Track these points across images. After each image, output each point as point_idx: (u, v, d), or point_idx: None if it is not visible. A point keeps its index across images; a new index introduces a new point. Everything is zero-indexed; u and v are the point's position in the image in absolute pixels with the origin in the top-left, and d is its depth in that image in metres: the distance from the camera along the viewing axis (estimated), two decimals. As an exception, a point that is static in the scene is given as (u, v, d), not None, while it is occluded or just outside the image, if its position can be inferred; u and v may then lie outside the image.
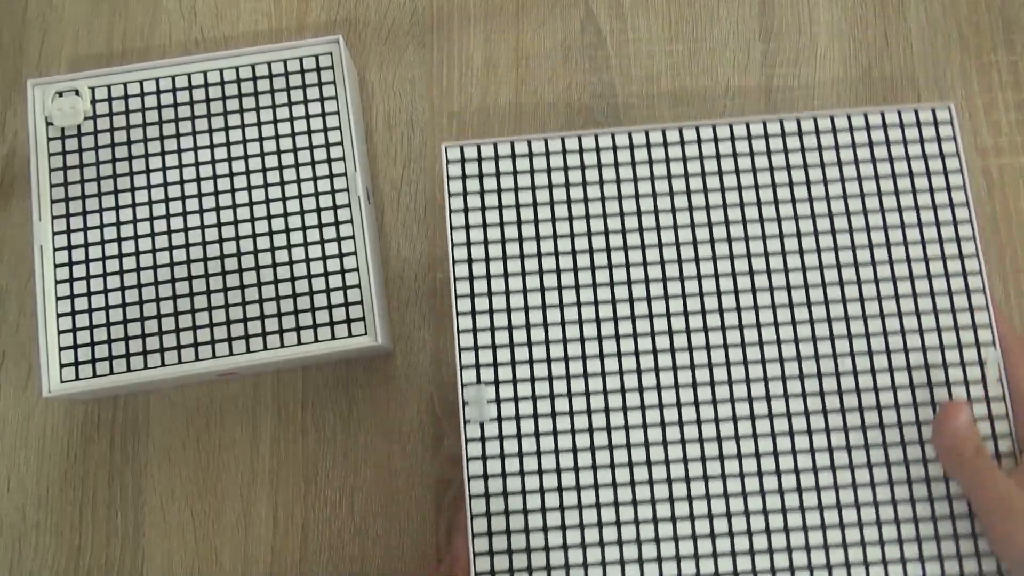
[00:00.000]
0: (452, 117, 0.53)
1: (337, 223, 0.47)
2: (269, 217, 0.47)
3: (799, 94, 0.53)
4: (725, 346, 0.41)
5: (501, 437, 0.40)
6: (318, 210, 0.47)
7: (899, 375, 0.40)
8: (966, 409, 0.38)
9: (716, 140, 0.43)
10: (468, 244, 0.41)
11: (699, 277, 0.41)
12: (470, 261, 0.41)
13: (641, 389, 0.40)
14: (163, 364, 0.45)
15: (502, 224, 0.42)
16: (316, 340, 0.46)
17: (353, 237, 0.47)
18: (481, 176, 0.42)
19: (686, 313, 0.41)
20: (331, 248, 0.47)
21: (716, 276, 0.41)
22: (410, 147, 0.52)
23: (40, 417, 0.49)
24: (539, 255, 0.41)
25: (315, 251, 0.47)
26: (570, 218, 0.42)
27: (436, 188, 0.52)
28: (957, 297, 0.41)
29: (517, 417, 0.40)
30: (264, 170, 0.48)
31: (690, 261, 0.41)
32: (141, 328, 0.46)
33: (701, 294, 0.41)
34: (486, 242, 0.41)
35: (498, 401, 0.40)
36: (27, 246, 0.51)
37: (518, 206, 0.42)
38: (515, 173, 0.42)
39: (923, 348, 0.40)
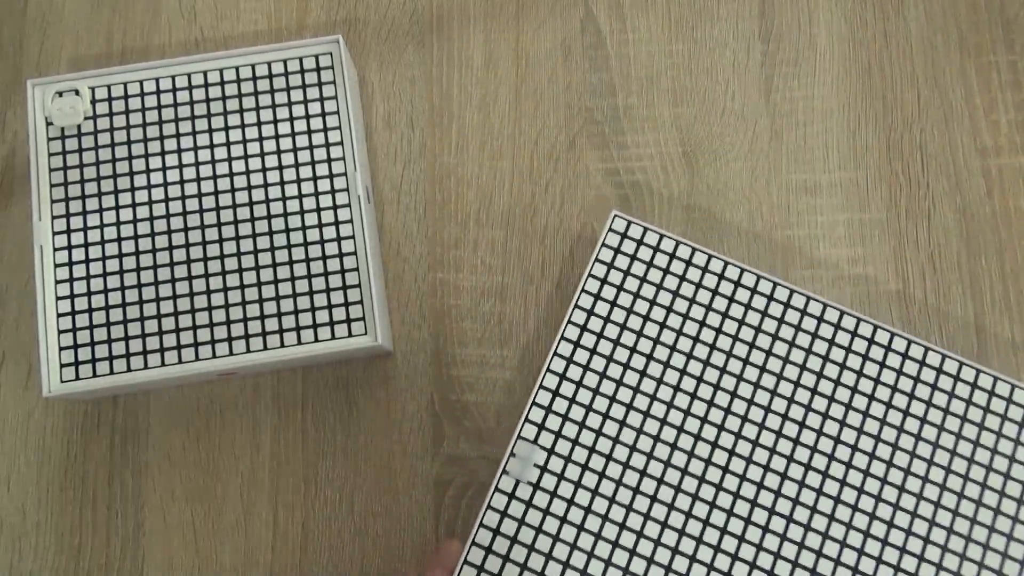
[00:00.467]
0: (452, 117, 0.53)
1: (337, 223, 0.47)
2: (269, 217, 0.47)
3: (799, 94, 0.53)
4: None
5: (530, 504, 0.40)
6: (318, 210, 0.47)
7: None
8: None
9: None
10: (590, 312, 0.42)
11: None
12: (583, 328, 0.42)
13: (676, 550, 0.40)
14: (163, 364, 0.45)
15: (630, 312, 0.42)
16: (316, 340, 0.46)
17: (353, 237, 0.47)
18: (634, 258, 0.43)
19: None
20: (331, 248, 0.47)
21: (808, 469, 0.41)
22: (410, 147, 0.52)
23: (40, 417, 0.49)
24: (649, 359, 0.42)
25: (315, 251, 0.47)
26: (695, 341, 0.42)
27: (436, 188, 0.52)
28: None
29: (554, 494, 0.40)
30: (264, 170, 0.48)
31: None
32: (141, 328, 0.46)
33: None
34: (607, 320, 0.42)
35: (543, 470, 0.40)
36: (27, 246, 0.51)
37: (653, 303, 0.43)
38: (667, 272, 0.43)
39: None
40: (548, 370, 0.42)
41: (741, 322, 0.43)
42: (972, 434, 0.42)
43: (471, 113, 0.53)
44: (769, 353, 0.43)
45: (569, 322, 0.42)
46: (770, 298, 0.44)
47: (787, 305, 0.43)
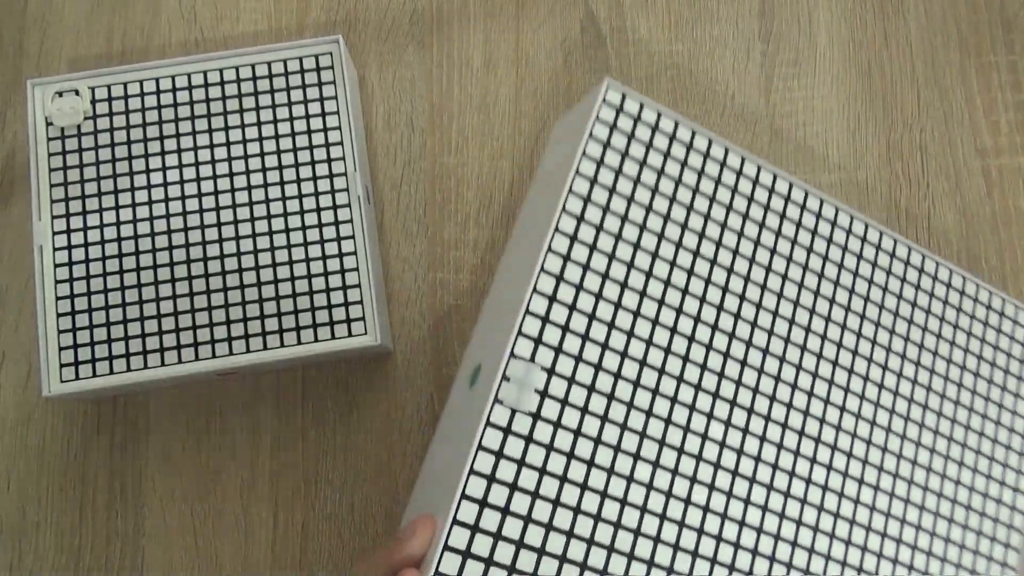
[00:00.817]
0: (452, 117, 0.53)
1: (337, 223, 0.47)
2: (269, 217, 0.47)
3: (799, 94, 0.53)
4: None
5: (530, 439, 0.31)
6: (318, 210, 0.47)
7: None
8: None
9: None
10: (587, 200, 0.34)
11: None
12: (581, 220, 0.34)
13: (699, 456, 0.34)
14: (163, 364, 0.45)
15: (632, 195, 0.35)
16: (316, 340, 0.45)
17: (353, 237, 0.47)
18: (632, 136, 0.35)
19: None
20: (331, 248, 0.47)
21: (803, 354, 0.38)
22: (410, 147, 0.52)
23: (40, 417, 0.49)
24: (656, 255, 0.35)
25: (315, 251, 0.47)
26: (701, 234, 0.36)
27: (436, 188, 0.52)
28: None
29: (557, 424, 0.32)
30: (264, 170, 0.48)
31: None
32: (141, 328, 0.46)
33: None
34: (607, 209, 0.35)
35: (543, 396, 0.32)
36: (27, 246, 0.51)
37: (655, 192, 0.36)
38: (668, 155, 0.36)
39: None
40: (542, 270, 0.33)
41: (762, 224, 0.38)
42: (959, 339, 0.42)
43: (471, 113, 0.53)
44: (788, 258, 0.38)
45: (563, 211, 0.34)
46: (772, 191, 0.39)
47: (788, 199, 0.39)
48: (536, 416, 0.31)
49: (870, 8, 0.54)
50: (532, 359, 0.32)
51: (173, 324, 0.46)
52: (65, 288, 0.46)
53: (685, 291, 0.35)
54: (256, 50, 0.49)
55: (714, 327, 0.36)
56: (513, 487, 0.31)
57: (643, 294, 0.35)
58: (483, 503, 0.30)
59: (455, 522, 0.30)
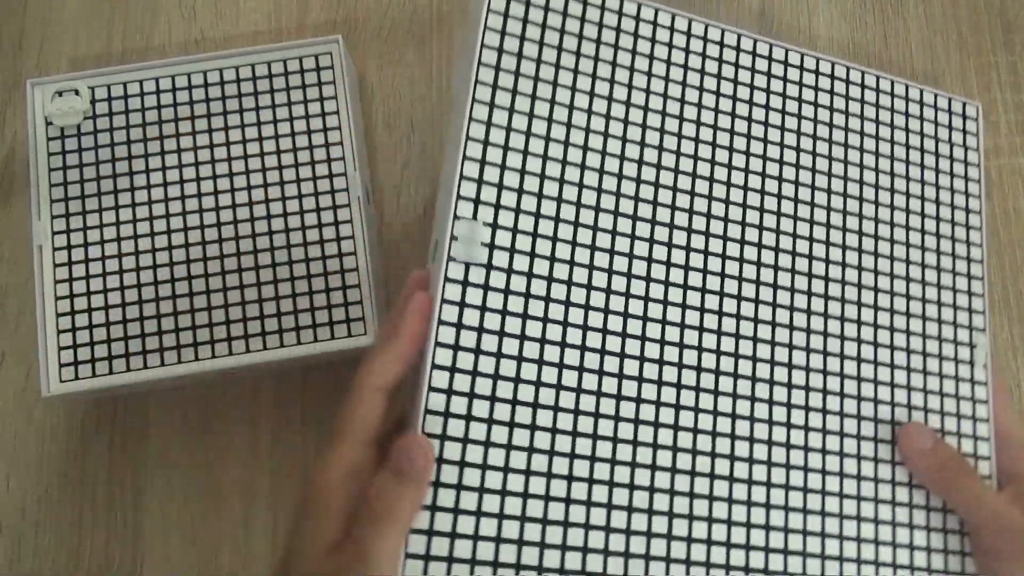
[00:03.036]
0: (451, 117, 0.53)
1: (337, 223, 0.47)
2: (269, 217, 0.47)
3: (799, 94, 0.53)
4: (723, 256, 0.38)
5: (486, 287, 0.34)
6: (318, 210, 0.47)
7: (884, 353, 0.39)
8: (924, 429, 0.38)
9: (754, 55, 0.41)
10: (497, 68, 0.37)
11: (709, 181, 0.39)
12: (494, 87, 0.36)
13: (649, 266, 0.37)
14: (163, 364, 0.45)
15: (538, 69, 0.37)
16: (316, 340, 0.45)
17: (353, 237, 0.47)
18: (525, 21, 0.37)
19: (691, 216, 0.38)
20: (331, 248, 0.47)
21: (728, 184, 0.39)
22: (410, 147, 0.52)
23: (40, 417, 0.49)
24: (571, 107, 0.37)
25: (315, 251, 0.47)
26: (604, 79, 0.38)
27: (436, 188, 0.52)
28: (959, 279, 0.41)
29: (509, 270, 0.35)
30: (264, 170, 0.48)
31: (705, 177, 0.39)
32: (141, 328, 0.46)
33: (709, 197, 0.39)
34: (517, 74, 0.37)
35: (491, 248, 0.35)
36: (27, 246, 0.51)
37: (560, 50, 0.38)
38: (563, 32, 0.38)
39: (924, 331, 0.40)
40: (468, 137, 0.35)
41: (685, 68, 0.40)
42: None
43: (471, 113, 0.53)
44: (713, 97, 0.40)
45: (476, 82, 0.36)
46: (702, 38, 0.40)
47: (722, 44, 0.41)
48: (488, 266, 0.35)
49: (870, 9, 0.54)
50: (475, 217, 0.35)
51: (173, 324, 0.46)
52: (65, 288, 0.46)
53: (606, 133, 0.38)
54: (256, 50, 0.49)
55: (639, 161, 0.38)
56: (479, 330, 0.34)
57: (566, 143, 0.37)
58: (456, 347, 0.34)
59: (434, 366, 0.33)
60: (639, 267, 0.37)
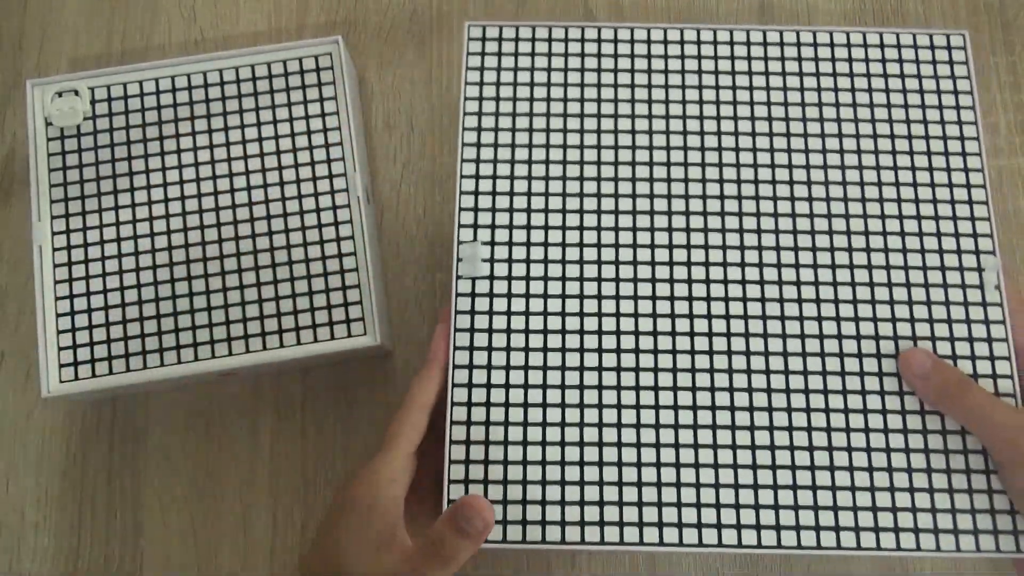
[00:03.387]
0: (452, 118, 0.53)
1: (337, 223, 0.47)
2: (269, 217, 0.47)
3: (799, 95, 0.53)
4: (725, 246, 0.41)
5: (492, 295, 0.40)
6: (318, 210, 0.47)
7: (898, 291, 0.40)
8: (921, 353, 0.38)
9: (732, 44, 0.45)
10: (479, 114, 0.43)
11: (701, 180, 0.42)
12: (479, 129, 0.42)
13: (635, 264, 0.41)
14: (163, 364, 0.45)
15: (515, 100, 0.43)
16: (316, 340, 0.45)
17: (353, 237, 0.47)
18: (500, 55, 0.44)
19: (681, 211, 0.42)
20: (331, 248, 0.47)
21: (721, 181, 0.42)
22: (410, 148, 0.52)
23: (39, 417, 0.49)
24: (547, 131, 0.42)
25: (315, 251, 0.47)
26: (582, 102, 0.43)
27: (435, 188, 0.52)
28: (960, 207, 0.42)
29: (509, 278, 0.40)
30: (264, 170, 0.48)
31: (696, 165, 0.42)
32: (140, 328, 0.46)
33: (704, 196, 0.42)
34: (497, 114, 0.43)
35: (492, 262, 0.41)
36: (27, 246, 0.51)
37: (532, 85, 0.43)
38: (533, 55, 0.44)
39: (923, 261, 0.41)
40: (462, 159, 0.42)
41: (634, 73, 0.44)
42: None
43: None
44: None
45: (464, 113, 0.43)
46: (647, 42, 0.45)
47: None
48: (491, 277, 0.40)
49: (869, 10, 0.55)
50: (475, 239, 0.41)
51: (173, 324, 0.46)
52: (64, 288, 0.46)
53: (579, 146, 0.43)
54: (256, 50, 0.49)
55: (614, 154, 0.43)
56: (489, 331, 0.40)
57: (547, 161, 0.42)
58: (471, 348, 0.40)
59: (456, 367, 0.39)
60: (626, 238, 0.41)
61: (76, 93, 0.48)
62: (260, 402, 0.49)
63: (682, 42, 0.44)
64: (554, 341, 0.40)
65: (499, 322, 0.40)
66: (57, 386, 0.45)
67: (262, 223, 0.47)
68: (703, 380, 0.39)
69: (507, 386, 0.39)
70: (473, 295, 0.40)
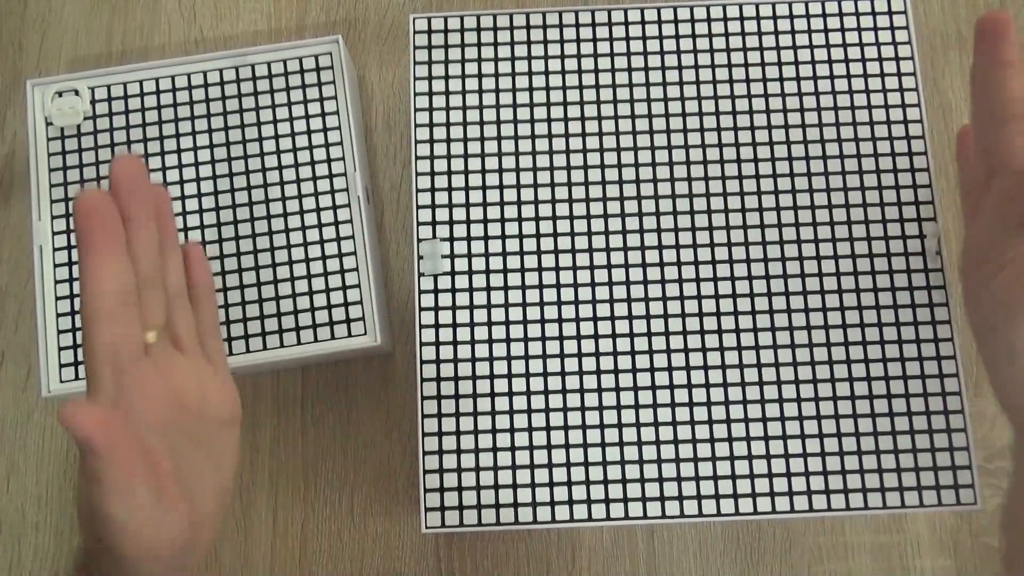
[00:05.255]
0: (452, 117, 0.53)
1: (337, 223, 0.47)
2: (269, 217, 0.47)
3: (798, 94, 0.53)
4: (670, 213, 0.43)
5: (454, 290, 0.42)
6: (318, 210, 0.47)
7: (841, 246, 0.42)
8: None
9: (676, 21, 0.45)
10: (430, 109, 0.44)
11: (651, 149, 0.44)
12: (431, 125, 0.44)
13: (592, 250, 0.42)
14: (163, 364, 0.45)
15: (464, 93, 0.44)
16: (316, 340, 0.45)
17: (353, 237, 0.47)
18: (446, 47, 0.45)
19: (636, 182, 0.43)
20: (331, 248, 0.47)
21: (669, 148, 0.44)
22: (409, 147, 0.52)
23: (40, 417, 0.49)
24: (499, 123, 0.44)
25: (315, 251, 0.47)
26: (530, 91, 0.44)
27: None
28: (903, 175, 0.43)
29: (470, 272, 0.42)
30: (264, 170, 0.48)
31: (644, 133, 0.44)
32: (141, 328, 0.46)
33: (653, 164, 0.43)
34: (447, 108, 0.44)
35: (452, 258, 0.42)
36: (27, 246, 0.51)
37: (480, 76, 0.44)
38: (479, 45, 0.45)
39: (866, 221, 0.43)
40: (417, 172, 0.43)
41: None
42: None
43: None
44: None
45: (416, 125, 0.44)
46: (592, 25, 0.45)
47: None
48: (452, 273, 0.42)
49: (870, 8, 0.54)
50: (434, 236, 0.43)
51: (173, 324, 0.46)
52: (65, 288, 0.46)
53: (530, 136, 0.44)
54: (256, 50, 0.49)
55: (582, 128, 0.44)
56: (453, 325, 0.42)
57: (500, 153, 0.44)
58: (437, 342, 0.42)
59: (423, 361, 0.42)
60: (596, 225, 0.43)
61: (76, 93, 0.48)
62: (260, 402, 0.49)
63: (626, 23, 0.45)
64: (516, 332, 0.42)
65: (462, 316, 0.42)
66: (57, 386, 0.45)
67: (262, 223, 0.47)
68: (643, 361, 0.41)
69: (474, 377, 0.41)
70: (436, 291, 0.42)
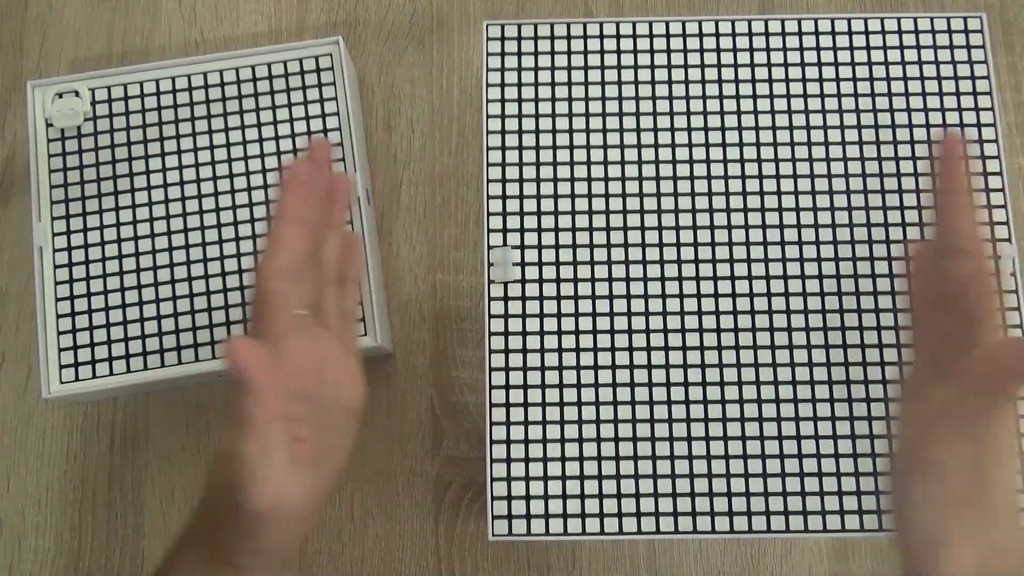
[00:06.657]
0: (452, 118, 0.53)
1: (337, 224, 0.47)
2: (269, 217, 0.47)
3: (798, 95, 0.53)
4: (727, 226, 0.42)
5: (524, 298, 0.41)
6: (318, 211, 0.47)
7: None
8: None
9: (751, 35, 0.45)
10: (502, 116, 0.43)
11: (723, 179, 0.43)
12: (503, 132, 0.43)
13: (662, 262, 0.42)
14: (163, 365, 0.45)
15: (536, 101, 0.43)
16: (316, 341, 0.45)
17: (353, 238, 0.47)
18: (520, 55, 0.44)
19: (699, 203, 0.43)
20: (331, 249, 0.47)
21: (742, 169, 0.43)
22: (409, 148, 0.52)
23: (40, 418, 0.49)
24: (571, 131, 0.43)
25: (315, 252, 0.47)
26: (603, 100, 0.44)
27: (436, 189, 0.52)
28: (976, 195, 0.42)
29: (540, 280, 0.41)
30: (264, 171, 0.48)
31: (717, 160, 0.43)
32: (141, 329, 0.46)
33: (726, 193, 0.43)
34: (520, 115, 0.43)
35: (523, 266, 0.42)
36: (27, 247, 0.51)
37: (553, 85, 0.44)
38: (553, 53, 0.44)
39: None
40: (488, 163, 0.43)
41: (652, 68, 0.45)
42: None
43: (471, 114, 0.53)
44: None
45: (488, 132, 0.43)
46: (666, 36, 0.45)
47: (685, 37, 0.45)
48: (523, 281, 0.42)
49: (869, 8, 0.54)
50: (504, 244, 0.42)
51: (173, 325, 0.46)
52: (65, 289, 0.46)
53: (602, 146, 0.43)
54: (256, 51, 0.49)
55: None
56: (523, 333, 0.41)
57: (572, 163, 0.43)
58: (506, 349, 0.41)
59: (492, 369, 0.41)
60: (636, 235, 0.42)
61: (76, 94, 0.48)
62: (260, 403, 0.49)
63: (700, 35, 0.45)
64: (586, 341, 0.41)
65: (532, 324, 0.41)
66: (58, 387, 0.45)
67: (262, 224, 0.47)
68: (712, 375, 0.41)
69: (543, 386, 0.40)
70: (506, 299, 0.41)
